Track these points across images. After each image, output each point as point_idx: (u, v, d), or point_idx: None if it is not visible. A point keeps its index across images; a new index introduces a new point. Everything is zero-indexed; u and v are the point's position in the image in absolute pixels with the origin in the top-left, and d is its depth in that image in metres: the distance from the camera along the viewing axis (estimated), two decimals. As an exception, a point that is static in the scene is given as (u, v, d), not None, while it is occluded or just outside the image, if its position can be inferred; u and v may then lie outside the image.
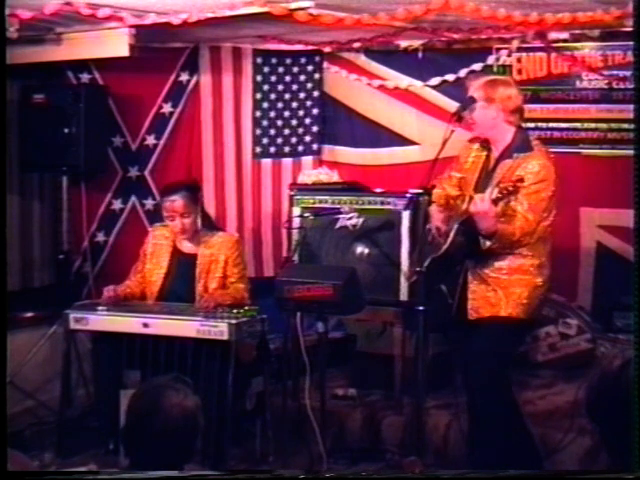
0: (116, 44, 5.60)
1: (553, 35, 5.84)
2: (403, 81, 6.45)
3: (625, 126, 5.68)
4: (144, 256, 5.22)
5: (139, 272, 5.20)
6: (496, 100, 4.36)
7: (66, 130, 5.95)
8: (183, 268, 5.12)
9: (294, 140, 6.76)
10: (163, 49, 6.33)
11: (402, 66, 6.43)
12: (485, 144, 4.49)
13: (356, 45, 6.42)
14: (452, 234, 4.35)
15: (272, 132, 6.72)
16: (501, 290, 4.34)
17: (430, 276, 4.35)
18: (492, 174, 4.37)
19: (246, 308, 4.81)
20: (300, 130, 6.76)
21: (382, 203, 5.38)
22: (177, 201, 5.03)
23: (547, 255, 4.41)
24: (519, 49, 5.98)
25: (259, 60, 6.63)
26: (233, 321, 4.67)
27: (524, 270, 4.34)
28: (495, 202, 4.11)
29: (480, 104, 4.37)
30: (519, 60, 6.04)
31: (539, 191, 4.24)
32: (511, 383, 4.49)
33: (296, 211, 5.62)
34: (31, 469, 3.09)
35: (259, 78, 6.65)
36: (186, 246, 5.16)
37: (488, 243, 4.21)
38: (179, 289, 5.09)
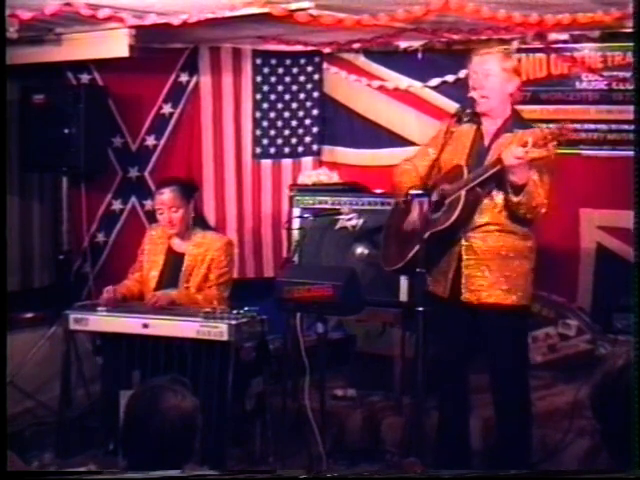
0: (116, 44, 5.60)
1: (553, 36, 5.84)
2: (403, 82, 6.44)
3: (625, 127, 5.68)
4: (142, 255, 5.24)
5: (137, 271, 5.23)
6: (518, 71, 4.36)
7: (66, 130, 5.95)
8: (173, 266, 5.14)
9: (294, 141, 6.76)
10: (163, 50, 6.33)
11: (402, 67, 6.42)
12: (475, 117, 4.36)
13: (356, 46, 6.42)
14: (461, 204, 4.19)
15: (272, 133, 6.72)
16: (497, 272, 4.26)
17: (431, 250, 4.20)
18: (489, 147, 4.28)
19: (246, 309, 4.81)
20: (300, 131, 6.76)
21: (382, 204, 5.38)
22: (165, 194, 5.07)
23: (535, 237, 4.36)
24: (519, 50, 5.97)
25: (259, 61, 6.63)
26: (233, 322, 4.67)
27: (518, 251, 4.28)
28: (536, 146, 3.98)
29: (504, 76, 4.28)
30: (519, 61, 6.02)
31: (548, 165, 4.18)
32: (528, 381, 4.47)
33: (296, 212, 5.63)
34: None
35: (259, 79, 6.65)
36: (177, 245, 5.18)
37: (515, 199, 4.10)
38: (171, 287, 5.09)
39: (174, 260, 5.15)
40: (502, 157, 4.08)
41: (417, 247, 4.15)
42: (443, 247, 4.33)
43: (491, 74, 4.29)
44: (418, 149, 4.60)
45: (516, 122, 4.32)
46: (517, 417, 4.36)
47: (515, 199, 4.12)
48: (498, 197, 4.24)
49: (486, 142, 4.34)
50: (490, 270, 4.27)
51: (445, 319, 4.36)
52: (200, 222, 5.28)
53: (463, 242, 4.31)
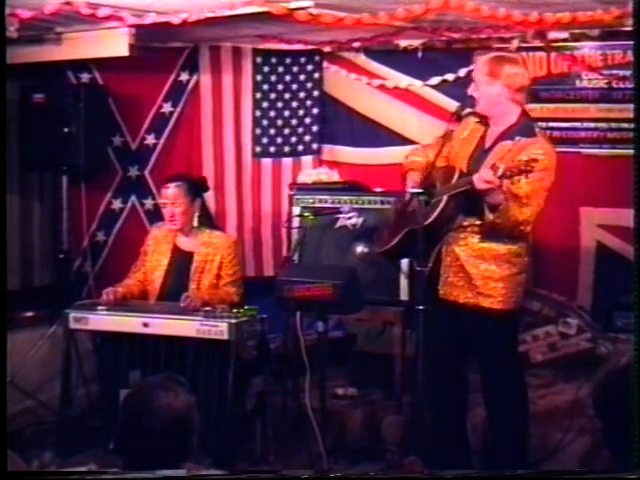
0: (116, 44, 5.61)
1: (553, 34, 5.83)
2: (403, 80, 6.44)
3: (625, 126, 5.67)
4: (144, 255, 5.24)
5: (138, 271, 5.23)
6: (501, 76, 4.27)
7: (66, 130, 5.95)
8: (181, 265, 5.15)
9: (294, 140, 6.76)
10: (163, 49, 6.33)
11: (402, 66, 6.42)
12: (484, 120, 4.37)
13: (356, 44, 6.41)
14: (440, 207, 4.21)
15: (272, 132, 6.72)
16: (473, 275, 4.24)
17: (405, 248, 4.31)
18: (488, 152, 4.27)
19: (246, 308, 4.81)
20: (300, 130, 6.76)
21: (382, 202, 5.38)
22: (170, 189, 5.12)
23: (529, 240, 4.34)
24: (519, 48, 5.96)
25: (259, 60, 6.62)
26: (233, 321, 4.67)
27: (499, 256, 4.24)
28: (501, 178, 3.95)
29: (485, 79, 4.28)
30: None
31: (542, 179, 4.13)
32: (520, 383, 4.45)
33: (296, 211, 5.63)
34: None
35: (259, 78, 6.65)
36: (184, 243, 5.19)
37: (491, 216, 4.08)
38: (177, 286, 5.10)
39: (180, 259, 5.16)
40: (473, 179, 4.07)
41: (403, 232, 4.35)
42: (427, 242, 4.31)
43: (476, 76, 4.35)
44: (435, 139, 4.58)
45: (521, 130, 4.26)
46: (508, 418, 4.33)
47: (491, 217, 4.10)
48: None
49: (487, 144, 4.33)
50: (465, 272, 4.27)
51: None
52: (207, 221, 5.29)
53: (444, 242, 4.32)
